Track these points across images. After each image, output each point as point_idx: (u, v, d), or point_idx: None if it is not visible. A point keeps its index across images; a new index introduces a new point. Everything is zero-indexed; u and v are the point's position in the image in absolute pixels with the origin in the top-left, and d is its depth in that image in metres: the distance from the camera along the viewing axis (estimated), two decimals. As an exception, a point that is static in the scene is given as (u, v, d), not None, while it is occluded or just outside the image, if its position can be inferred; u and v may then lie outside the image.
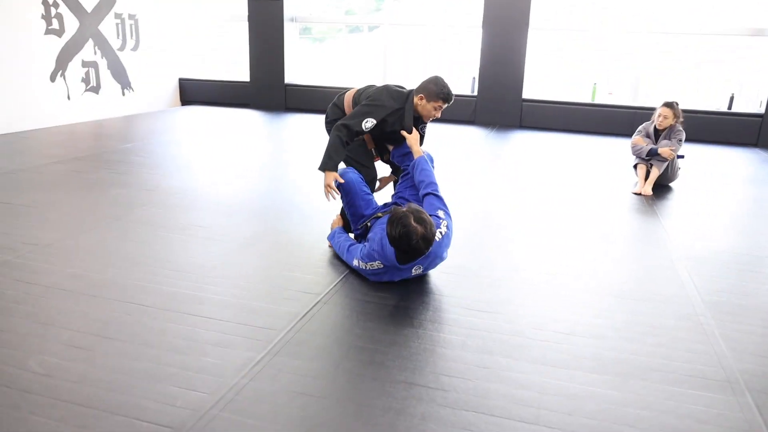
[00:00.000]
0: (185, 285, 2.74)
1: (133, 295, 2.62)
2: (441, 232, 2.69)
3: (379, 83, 3.23)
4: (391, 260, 2.65)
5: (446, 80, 3.11)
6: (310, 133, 7.81)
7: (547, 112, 8.60)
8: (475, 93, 8.96)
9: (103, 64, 8.40)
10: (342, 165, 3.25)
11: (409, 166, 3.10)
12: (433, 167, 3.09)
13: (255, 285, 2.76)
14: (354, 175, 3.08)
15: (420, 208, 2.59)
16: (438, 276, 2.93)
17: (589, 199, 4.59)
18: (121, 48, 8.77)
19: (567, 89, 9.52)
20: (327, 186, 3.01)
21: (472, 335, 2.36)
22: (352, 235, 3.23)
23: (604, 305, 2.67)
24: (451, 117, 8.90)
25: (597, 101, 8.65)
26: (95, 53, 8.24)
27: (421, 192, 2.93)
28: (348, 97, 3.28)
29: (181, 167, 5.24)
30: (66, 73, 7.76)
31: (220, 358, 2.14)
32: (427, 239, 2.53)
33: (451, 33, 9.86)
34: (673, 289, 2.89)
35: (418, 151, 3.06)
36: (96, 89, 8.33)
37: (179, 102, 10.41)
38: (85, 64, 8.08)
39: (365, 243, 2.86)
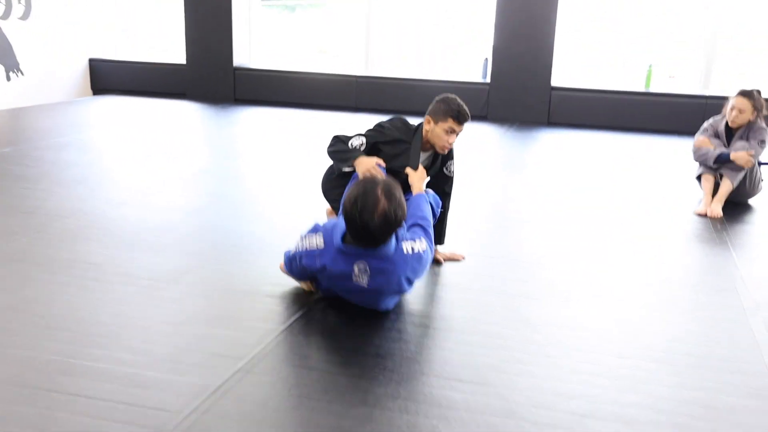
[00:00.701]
0: (53, 348, 2.63)
1: (-27, 362, 2.50)
2: (413, 248, 2.84)
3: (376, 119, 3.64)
4: (334, 238, 2.80)
5: (459, 99, 3.43)
6: (265, 132, 7.75)
7: (585, 103, 8.60)
8: (488, 79, 8.96)
9: (-19, 38, 8.37)
10: None
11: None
12: (436, 213, 3.36)
13: (154, 347, 2.68)
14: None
15: (395, 184, 2.78)
16: (408, 328, 2.84)
17: (638, 222, 4.56)
18: (5, 16, 8.74)
19: (611, 74, 9.54)
20: (368, 170, 3.25)
21: (449, 418, 2.24)
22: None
23: (641, 373, 2.58)
24: (456, 111, 8.85)
25: (653, 89, 8.66)
26: (-30, 24, 8.21)
27: (408, 223, 3.05)
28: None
29: (77, 181, 5.16)
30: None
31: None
32: (387, 219, 2.67)
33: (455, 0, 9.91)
34: (742, 352, 2.80)
35: (419, 188, 3.35)
36: (-30, 73, 8.28)
37: (90, 90, 10.39)
38: (-45, 38, 8.05)
39: None
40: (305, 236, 2.96)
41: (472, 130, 8.11)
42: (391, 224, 2.70)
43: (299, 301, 3.12)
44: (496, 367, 2.59)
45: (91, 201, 4.59)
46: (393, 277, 2.82)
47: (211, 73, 9.88)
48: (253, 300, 3.14)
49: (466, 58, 9.73)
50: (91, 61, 10.32)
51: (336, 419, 2.23)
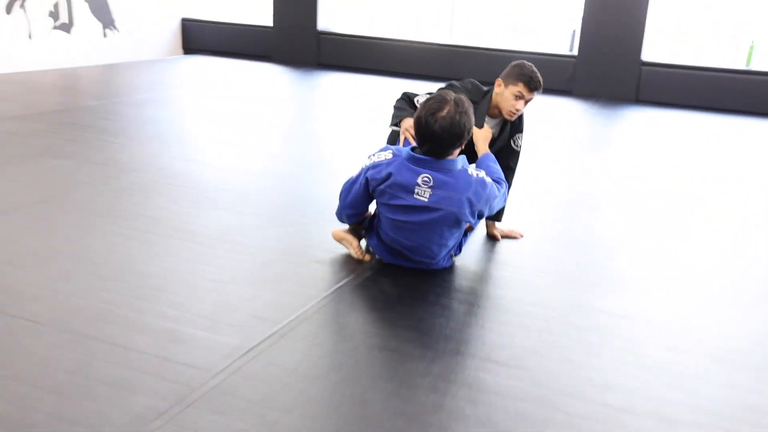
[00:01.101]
0: (102, 296, 2.69)
1: (23, 306, 2.58)
2: (479, 174, 2.90)
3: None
4: (403, 151, 2.89)
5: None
6: (348, 97, 7.74)
7: (678, 81, 8.19)
8: (575, 52, 8.64)
9: (79, -5, 8.64)
10: None
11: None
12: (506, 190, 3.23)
13: (196, 303, 2.71)
14: None
15: (470, 102, 2.88)
16: (452, 304, 2.77)
17: (722, 210, 4.30)
18: (104, -25, 8.99)
19: (706, 49, 9.02)
20: (406, 130, 3.27)
21: (477, 401, 2.16)
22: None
23: (690, 370, 2.43)
24: (540, 84, 8.59)
25: (754, 67, 8.13)
26: (69, -20, 8.48)
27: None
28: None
29: (153, 136, 5.29)
30: (26, 4, 8.01)
31: (112, 403, 2.05)
32: (453, 122, 2.75)
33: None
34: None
35: (483, 148, 3.28)
36: (67, 27, 8.57)
37: (181, 50, 10.62)
38: (55, -6, 8.32)
39: None
40: (374, 154, 2.98)
41: (555, 104, 7.88)
42: (455, 127, 2.76)
43: (348, 268, 3.10)
44: (534, 351, 2.48)
45: (163, 157, 4.69)
46: (455, 193, 2.82)
47: (295, 37, 9.91)
48: (301, 264, 3.13)
49: (554, 30, 9.40)
50: (183, 20, 10.53)
51: (361, 391, 2.19)
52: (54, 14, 8.32)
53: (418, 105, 3.26)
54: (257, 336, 2.48)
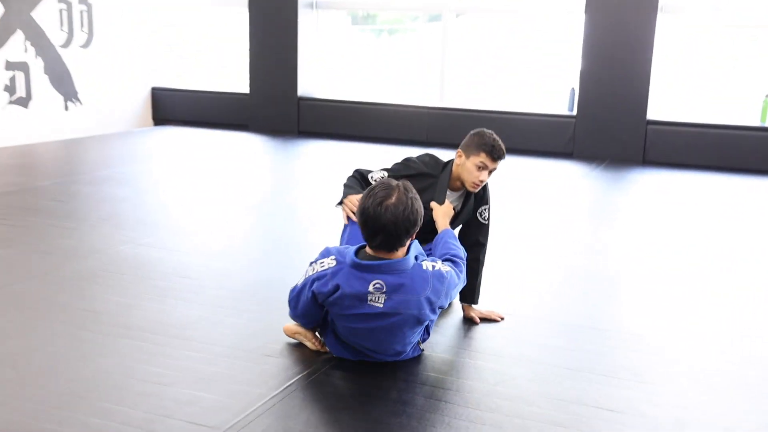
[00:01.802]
0: (19, 406, 2.64)
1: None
2: (433, 266, 2.87)
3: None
4: (347, 256, 2.84)
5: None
6: (330, 166, 7.77)
7: (688, 140, 8.24)
8: (574, 111, 8.74)
9: (37, 65, 8.80)
10: None
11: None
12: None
13: (128, 411, 2.64)
14: None
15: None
16: (417, 399, 2.69)
17: (748, 295, 4.20)
18: (66, 44, 9.18)
19: (718, 106, 9.12)
20: (346, 206, 3.37)
21: None
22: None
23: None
24: (537, 147, 8.67)
25: (770, 124, 8.21)
26: (25, 50, 8.64)
27: (444, 257, 3.10)
28: None
29: (104, 218, 5.30)
30: (-17, 80, 8.18)
31: None
32: (402, 211, 2.72)
33: (539, 20, 9.76)
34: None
35: (443, 224, 3.32)
36: (25, 101, 8.71)
37: (150, 121, 10.77)
38: (9, 65, 8.46)
39: None
40: (315, 262, 2.95)
41: (555, 168, 7.93)
42: (408, 214, 2.74)
43: (302, 361, 3.05)
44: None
45: (113, 241, 4.68)
46: (412, 296, 2.78)
47: (274, 104, 10.05)
48: (251, 359, 3.07)
49: (551, 88, 9.52)
50: (153, 90, 10.71)
51: None
52: (10, 88, 8.46)
53: (372, 182, 3.29)
54: (192, 446, 2.41)
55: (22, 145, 8.49)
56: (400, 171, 3.45)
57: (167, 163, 7.71)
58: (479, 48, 10.20)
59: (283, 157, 8.60)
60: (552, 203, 6.26)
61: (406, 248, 2.85)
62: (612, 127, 8.46)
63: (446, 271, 2.90)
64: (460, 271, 3.04)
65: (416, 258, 2.90)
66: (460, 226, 3.58)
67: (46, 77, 8.89)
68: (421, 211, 2.83)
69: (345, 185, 3.46)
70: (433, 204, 3.37)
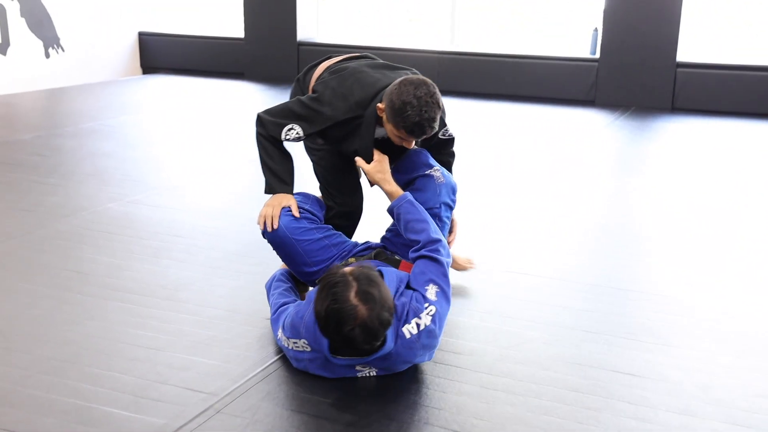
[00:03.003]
0: (8, 374, 2.69)
1: None
2: (417, 324, 2.60)
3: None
4: (321, 345, 2.58)
5: (433, 92, 2.88)
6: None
7: (720, 84, 8.21)
8: (597, 54, 8.69)
9: (13, 8, 8.77)
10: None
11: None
12: (452, 202, 3.13)
13: (118, 376, 2.69)
14: (286, 218, 3.09)
15: (374, 272, 2.53)
16: (425, 365, 2.73)
17: None
18: (45, -14, 9.13)
19: (751, 46, 9.03)
20: (262, 216, 3.12)
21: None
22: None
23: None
24: (556, 95, 8.64)
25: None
26: (2, -6, 8.60)
27: (412, 254, 2.87)
28: (318, 72, 3.38)
29: (90, 174, 5.33)
30: (-43, 26, 8.16)
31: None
32: (369, 330, 2.42)
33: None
34: None
35: (392, 190, 3.02)
36: (2, 48, 8.70)
37: (139, 69, 10.75)
38: (-15, 10, 8.46)
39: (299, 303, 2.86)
40: (284, 337, 2.74)
41: (575, 116, 7.90)
42: (374, 334, 2.44)
43: (304, 325, 3.08)
44: (519, 419, 2.45)
45: (100, 198, 4.71)
46: (403, 363, 2.67)
47: (271, 49, 10.01)
48: (249, 323, 3.11)
49: (573, 29, 9.45)
50: (140, 35, 10.66)
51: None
52: (-15, 34, 8.46)
53: (285, 140, 3.10)
54: (187, 413, 2.46)
55: (0, 95, 8.49)
56: (313, 125, 3.07)
57: (157, 115, 7.71)
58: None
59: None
60: (572, 155, 6.26)
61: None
62: (638, 71, 8.41)
63: (432, 318, 2.62)
64: (439, 270, 2.77)
65: (396, 290, 2.65)
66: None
67: (23, 21, 8.86)
68: (391, 312, 2.48)
69: (261, 157, 3.22)
70: (360, 162, 3.06)
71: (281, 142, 3.16)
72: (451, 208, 3.19)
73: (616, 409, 2.52)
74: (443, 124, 3.23)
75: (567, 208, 4.80)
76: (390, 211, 3.01)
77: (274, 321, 2.89)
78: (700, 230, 4.38)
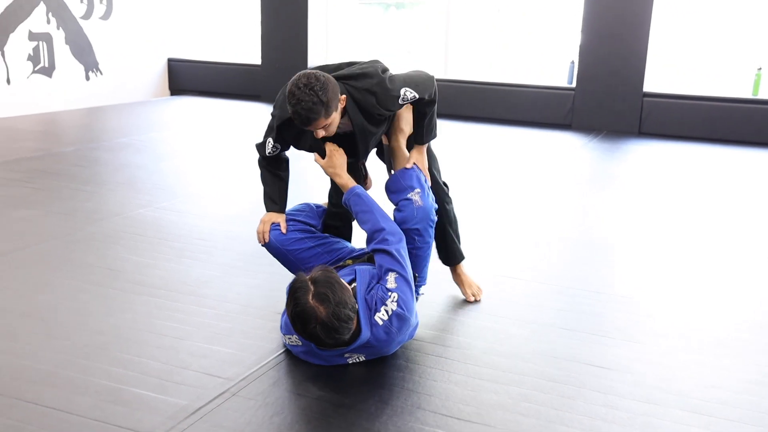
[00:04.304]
0: (45, 357, 2.68)
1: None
2: (386, 311, 2.57)
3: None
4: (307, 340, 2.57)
5: (311, 83, 2.56)
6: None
7: (682, 112, 8.20)
8: (573, 84, 8.69)
9: (59, 36, 8.78)
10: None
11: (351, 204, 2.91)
12: (431, 222, 2.93)
13: (145, 362, 2.69)
14: (275, 233, 3.07)
15: (331, 275, 2.47)
16: (418, 356, 2.73)
17: (739, 257, 4.22)
18: (87, 15, 9.14)
19: (711, 79, 9.05)
20: (257, 231, 3.11)
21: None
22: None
23: (667, 423, 2.36)
24: (537, 119, 8.65)
25: (762, 95, 8.14)
26: (48, 22, 8.62)
27: (369, 247, 2.82)
28: None
29: (123, 183, 5.31)
30: (5, 49, 8.15)
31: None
32: (329, 327, 2.39)
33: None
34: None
35: (343, 183, 2.90)
36: (48, 71, 8.70)
37: (167, 91, 10.74)
38: (33, 36, 8.45)
39: None
40: (282, 330, 2.76)
41: (554, 139, 7.89)
42: (334, 329, 2.39)
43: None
44: (501, 406, 2.44)
45: (131, 204, 4.70)
46: (387, 346, 2.65)
47: (284, 74, 9.98)
48: (263, 316, 3.11)
49: (551, 61, 9.46)
50: (169, 60, 10.67)
51: (309, 454, 2.15)
52: (34, 58, 8.45)
53: (269, 155, 3.01)
54: (207, 395, 2.46)
55: (46, 112, 8.50)
56: (272, 130, 2.93)
57: (183, 132, 7.71)
58: (483, 23, 10.10)
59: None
60: (551, 172, 6.26)
61: (355, 325, 2.50)
62: (609, 99, 8.41)
63: (398, 304, 2.58)
64: (395, 260, 2.69)
65: (368, 285, 2.63)
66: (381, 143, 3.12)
67: (67, 48, 8.87)
68: (349, 308, 2.42)
69: (263, 181, 3.17)
70: (316, 158, 2.94)
71: (275, 161, 3.11)
72: (431, 227, 2.93)
73: (587, 398, 2.52)
74: (391, 98, 2.79)
75: (546, 219, 4.79)
76: (344, 203, 2.91)
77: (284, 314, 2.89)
78: (664, 240, 4.38)
